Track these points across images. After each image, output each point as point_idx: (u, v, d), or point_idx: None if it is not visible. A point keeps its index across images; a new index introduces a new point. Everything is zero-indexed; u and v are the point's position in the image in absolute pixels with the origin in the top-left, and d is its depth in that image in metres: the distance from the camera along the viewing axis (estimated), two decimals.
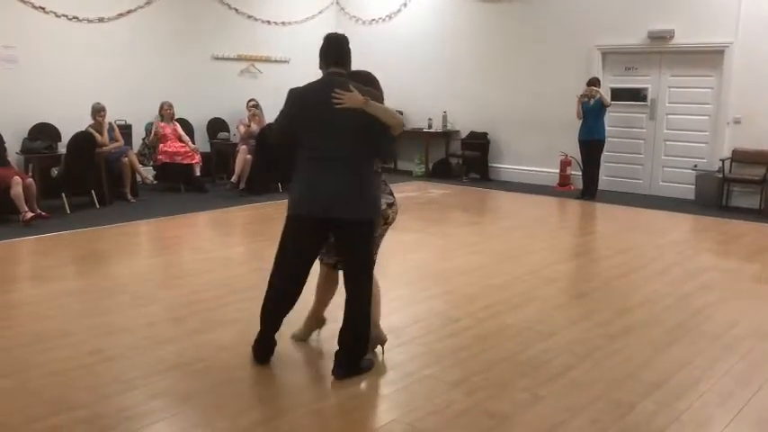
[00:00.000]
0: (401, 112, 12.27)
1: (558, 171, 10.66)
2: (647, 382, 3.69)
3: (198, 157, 9.84)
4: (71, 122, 8.79)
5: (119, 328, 4.42)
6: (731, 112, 9.31)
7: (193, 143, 10.10)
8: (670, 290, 5.43)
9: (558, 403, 3.44)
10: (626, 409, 3.38)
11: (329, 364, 3.75)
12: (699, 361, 4.02)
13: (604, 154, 9.94)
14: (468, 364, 3.92)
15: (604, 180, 10.24)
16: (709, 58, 9.42)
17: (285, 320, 3.85)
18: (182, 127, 10.07)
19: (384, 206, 3.79)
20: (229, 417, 3.25)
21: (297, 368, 3.91)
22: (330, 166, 3.57)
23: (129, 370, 3.75)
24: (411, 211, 8.87)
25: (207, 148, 10.61)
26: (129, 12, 10.01)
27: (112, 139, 9.08)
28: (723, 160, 9.27)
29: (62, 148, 8.58)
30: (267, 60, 11.61)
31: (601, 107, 9.60)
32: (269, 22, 11.67)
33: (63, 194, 8.21)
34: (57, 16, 9.31)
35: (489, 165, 11.54)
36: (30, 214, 7.38)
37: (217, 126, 10.88)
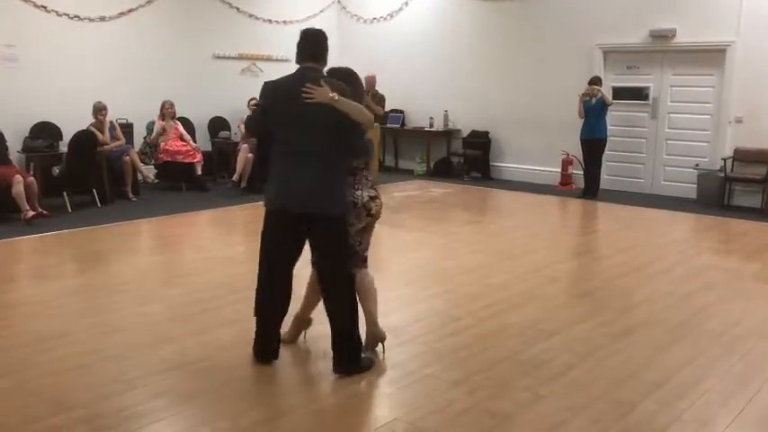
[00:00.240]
0: (402, 111, 12.30)
1: (559, 170, 10.65)
2: (648, 382, 3.69)
3: (199, 156, 9.84)
4: (72, 121, 8.81)
5: (119, 327, 4.42)
6: (733, 111, 9.29)
7: (195, 142, 10.10)
8: (671, 289, 5.42)
9: (560, 402, 3.43)
10: (627, 408, 3.38)
11: (330, 363, 3.75)
12: (700, 360, 4.01)
13: (606, 153, 9.92)
14: (469, 363, 3.91)
15: (606, 179, 10.23)
16: (711, 56, 9.40)
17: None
18: (183, 126, 10.07)
19: (366, 198, 3.78)
20: (230, 416, 3.25)
21: (298, 367, 3.91)
22: (302, 160, 3.57)
23: (129, 369, 3.75)
24: (412, 210, 8.88)
25: (208, 147, 10.61)
26: (130, 11, 10.02)
27: (114, 138, 9.09)
28: (725, 159, 9.26)
29: (63, 147, 8.59)
30: (268, 59, 11.60)
31: (602, 106, 9.59)
32: (270, 20, 11.67)
33: (64, 193, 8.22)
34: (58, 15, 9.32)
35: (490, 164, 11.53)
36: (31, 213, 7.39)
37: (218, 125, 10.88)
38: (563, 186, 10.54)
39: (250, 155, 9.53)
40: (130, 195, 9.00)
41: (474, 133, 11.58)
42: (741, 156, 9.24)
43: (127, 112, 9.75)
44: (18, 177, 7.44)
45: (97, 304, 4.90)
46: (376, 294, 3.95)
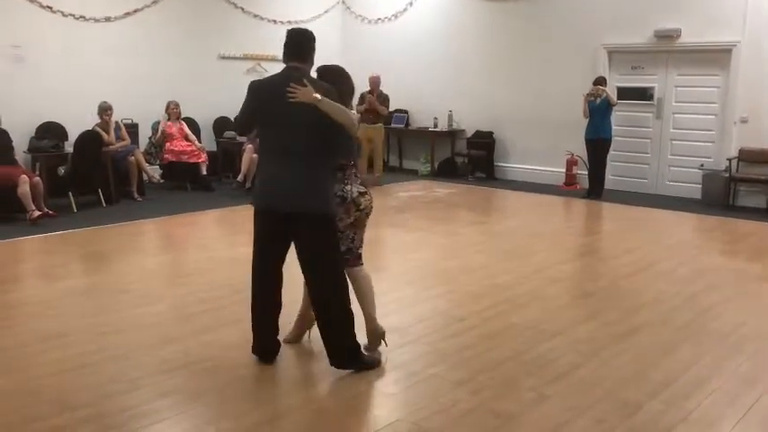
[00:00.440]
0: (406, 112, 12.30)
1: (563, 170, 10.63)
2: (653, 382, 3.68)
3: (204, 156, 9.85)
4: (78, 121, 8.83)
5: (123, 326, 4.42)
6: (738, 111, 9.27)
7: (200, 142, 10.12)
8: (677, 289, 5.41)
9: (565, 402, 3.43)
10: (633, 408, 3.37)
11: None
12: (706, 361, 4.00)
13: (611, 153, 9.90)
14: (473, 363, 3.91)
15: (611, 179, 10.20)
16: (717, 57, 9.38)
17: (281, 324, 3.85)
18: (188, 126, 10.08)
19: (356, 194, 3.78)
20: (234, 416, 3.25)
21: (301, 367, 3.91)
22: (286, 160, 3.58)
23: (132, 369, 3.75)
24: (416, 210, 8.88)
25: (213, 147, 10.63)
26: (135, 11, 10.04)
27: (119, 138, 9.11)
28: (730, 159, 9.23)
29: (69, 147, 8.61)
30: (273, 59, 11.56)
31: (607, 106, 9.58)
32: (275, 21, 11.68)
33: (70, 193, 8.24)
34: (64, 15, 9.35)
35: (495, 164, 11.52)
36: (37, 213, 7.41)
37: (223, 125, 10.88)
38: (567, 187, 10.52)
39: (255, 155, 9.52)
40: (136, 195, 9.02)
41: (478, 133, 11.57)
42: (746, 156, 9.22)
43: (132, 112, 9.77)
44: (24, 177, 7.45)
45: (101, 304, 4.91)
46: (373, 292, 3.95)
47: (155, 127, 10.01)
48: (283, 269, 3.79)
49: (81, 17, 9.52)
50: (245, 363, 3.84)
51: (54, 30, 9.24)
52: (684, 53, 9.67)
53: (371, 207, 3.89)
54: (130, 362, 3.85)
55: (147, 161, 9.60)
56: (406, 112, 12.36)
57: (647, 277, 5.80)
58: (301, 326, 4.14)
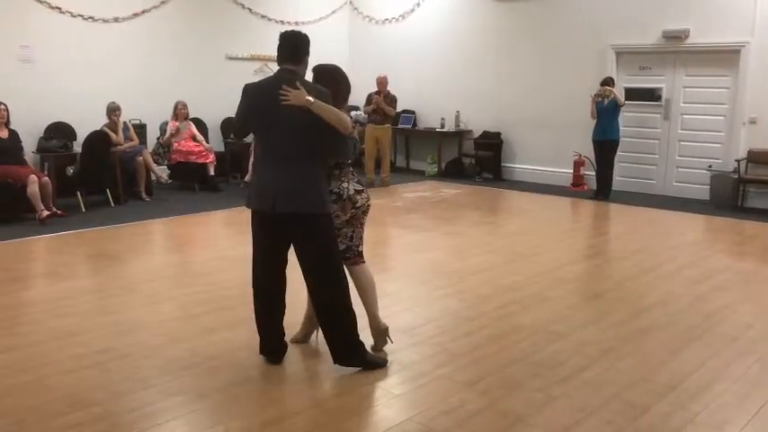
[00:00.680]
0: (413, 112, 12.30)
1: (571, 171, 10.62)
2: (661, 384, 3.67)
3: (212, 157, 9.88)
4: (86, 122, 8.88)
5: (133, 326, 4.45)
6: (747, 112, 9.23)
7: (207, 142, 10.15)
8: (684, 291, 5.40)
9: (572, 404, 3.43)
10: (640, 410, 3.37)
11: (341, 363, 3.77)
12: (713, 363, 3.99)
13: (618, 154, 9.88)
14: (481, 364, 3.91)
15: (618, 180, 10.18)
16: (725, 57, 9.35)
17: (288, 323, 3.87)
18: (196, 126, 10.12)
19: (352, 191, 3.79)
20: (243, 416, 3.26)
21: (309, 367, 3.92)
22: (278, 161, 3.60)
23: (143, 368, 3.77)
24: (424, 210, 8.88)
25: (221, 148, 10.66)
26: (143, 11, 10.08)
27: (127, 139, 9.15)
28: (738, 161, 9.20)
29: (77, 147, 8.66)
30: None
31: (615, 107, 9.56)
32: (282, 21, 11.69)
33: (78, 193, 8.29)
34: (72, 16, 9.39)
35: (502, 164, 11.51)
36: (46, 213, 7.45)
37: (231, 126, 10.84)
38: (575, 187, 10.50)
39: None
40: (144, 195, 9.05)
41: (486, 134, 11.56)
42: (755, 157, 9.18)
43: (140, 112, 9.81)
44: (33, 177, 7.50)
45: (110, 303, 4.93)
46: (375, 289, 3.96)
47: (162, 127, 10.05)
48: (287, 271, 3.81)
49: (90, 18, 9.56)
50: (252, 363, 3.85)
51: (63, 30, 9.29)
52: (693, 54, 9.64)
53: (368, 205, 3.90)
54: (139, 361, 3.87)
55: (155, 161, 9.63)
56: (413, 112, 12.36)
57: (655, 279, 5.79)
58: (309, 326, 4.16)
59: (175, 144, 9.75)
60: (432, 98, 12.07)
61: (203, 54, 10.82)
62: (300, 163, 3.58)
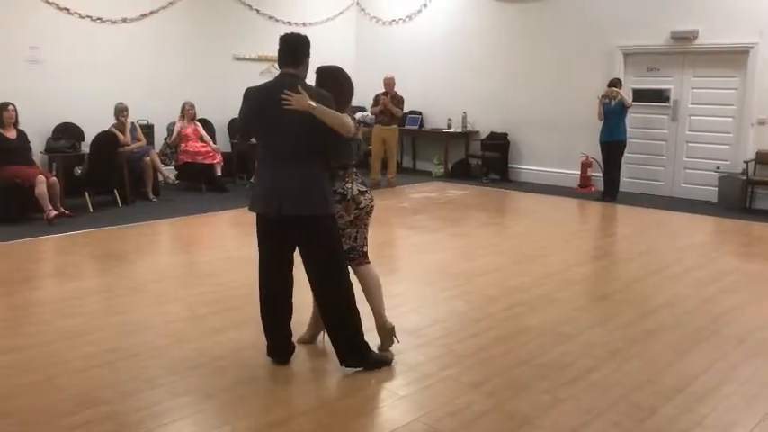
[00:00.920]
0: (420, 113, 12.29)
1: (578, 172, 10.60)
2: (668, 386, 3.66)
3: (219, 157, 9.90)
4: (94, 122, 8.91)
5: (140, 326, 4.46)
6: (755, 113, 9.19)
7: (215, 143, 10.18)
8: (692, 293, 5.38)
9: (579, 406, 3.42)
10: (647, 412, 3.36)
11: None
12: (721, 365, 3.97)
13: (626, 155, 9.86)
14: (488, 365, 3.91)
15: (625, 182, 10.16)
16: (734, 58, 9.31)
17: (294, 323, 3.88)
18: (203, 127, 10.15)
19: (356, 192, 3.80)
20: (249, 416, 3.27)
21: (316, 368, 3.92)
22: (280, 164, 3.61)
23: (150, 368, 3.79)
24: (430, 211, 8.88)
25: (228, 149, 10.68)
26: (151, 12, 10.11)
27: (135, 139, 9.18)
28: (747, 162, 9.16)
29: (85, 148, 8.68)
30: None
31: (622, 108, 9.54)
32: (289, 22, 11.71)
33: (86, 193, 8.32)
34: (81, 17, 9.43)
35: (509, 166, 11.49)
36: (53, 213, 7.49)
37: (237, 126, 10.92)
38: (582, 189, 10.48)
39: None
40: (151, 196, 9.08)
41: (492, 135, 11.54)
42: (763, 159, 9.14)
43: (148, 113, 9.84)
44: (41, 177, 7.54)
45: (118, 303, 4.95)
46: (381, 290, 3.96)
47: (170, 128, 10.08)
48: (293, 272, 3.81)
49: (98, 19, 9.60)
50: (259, 363, 3.86)
51: (71, 31, 9.33)
52: (701, 55, 9.60)
53: (372, 206, 3.91)
54: (147, 361, 3.89)
55: (163, 162, 9.67)
56: (419, 113, 12.36)
57: (662, 280, 5.77)
58: (315, 327, 4.16)
59: (182, 145, 9.77)
60: (438, 99, 12.06)
61: (211, 55, 10.85)
62: (304, 165, 3.59)
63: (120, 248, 6.68)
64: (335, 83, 3.79)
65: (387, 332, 3.97)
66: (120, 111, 8.94)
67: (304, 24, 11.87)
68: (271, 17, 11.59)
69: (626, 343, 4.28)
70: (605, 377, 3.77)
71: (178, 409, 3.34)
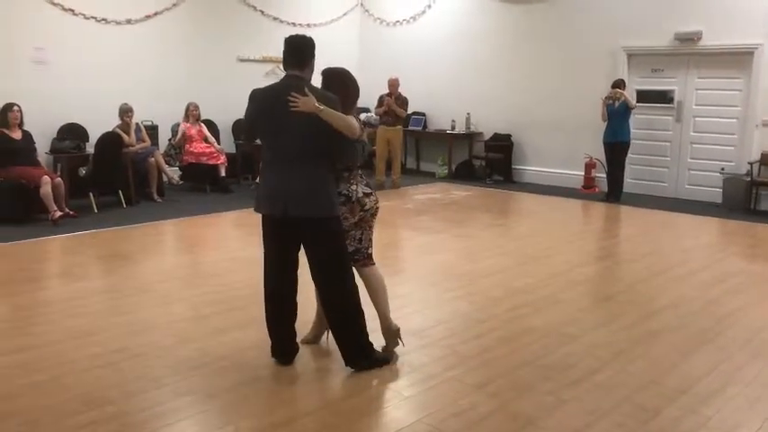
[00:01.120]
0: (424, 114, 12.30)
1: (582, 173, 10.59)
2: (672, 387, 3.66)
3: (223, 158, 9.92)
4: (99, 123, 8.92)
5: (146, 326, 4.48)
6: (759, 114, 9.18)
7: (219, 144, 10.20)
8: (696, 294, 5.37)
9: (583, 407, 3.42)
10: (651, 413, 3.36)
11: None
12: (726, 366, 3.97)
13: (629, 156, 9.85)
14: (492, 366, 3.91)
15: (629, 183, 10.14)
16: (738, 59, 9.30)
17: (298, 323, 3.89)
18: (207, 128, 10.16)
19: (361, 194, 3.81)
20: (253, 416, 3.28)
21: (319, 368, 3.92)
22: (285, 166, 3.62)
23: (155, 368, 3.80)
24: (434, 212, 8.88)
25: (232, 149, 10.70)
26: (156, 14, 10.13)
27: (139, 140, 9.21)
28: (751, 163, 9.14)
29: (90, 149, 8.70)
30: None
31: (626, 109, 9.53)
32: (294, 23, 11.73)
33: (91, 194, 8.34)
34: (86, 18, 9.45)
35: (513, 167, 11.49)
36: (58, 213, 7.51)
37: (242, 127, 10.92)
38: (586, 190, 10.48)
39: None
40: (155, 196, 9.10)
41: (496, 136, 11.54)
42: None
43: (152, 114, 9.87)
44: (46, 178, 7.56)
45: (123, 303, 4.97)
46: (386, 291, 3.96)
47: (174, 129, 10.10)
48: (298, 272, 3.82)
49: (102, 20, 9.62)
50: (263, 363, 3.87)
51: (76, 32, 9.35)
52: (705, 56, 9.59)
53: (377, 208, 3.92)
54: (152, 361, 3.90)
55: (167, 162, 9.69)
56: (423, 114, 12.36)
57: (666, 281, 5.76)
58: (319, 327, 4.17)
59: (187, 146, 9.79)
60: (442, 100, 12.07)
61: (215, 56, 10.87)
62: (310, 167, 3.61)
63: (124, 249, 6.70)
64: (342, 85, 3.80)
65: (392, 334, 3.98)
66: (125, 111, 8.97)
67: (308, 25, 11.88)
68: (275, 18, 11.60)
69: (630, 344, 4.28)
70: (609, 378, 3.77)
71: (182, 409, 3.35)
